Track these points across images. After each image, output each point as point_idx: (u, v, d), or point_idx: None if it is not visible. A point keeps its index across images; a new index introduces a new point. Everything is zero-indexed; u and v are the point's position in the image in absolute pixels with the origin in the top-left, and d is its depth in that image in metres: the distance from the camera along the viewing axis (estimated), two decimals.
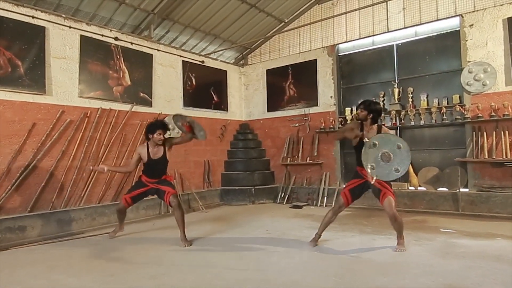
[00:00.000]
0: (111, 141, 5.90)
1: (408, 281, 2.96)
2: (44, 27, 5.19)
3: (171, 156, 4.56)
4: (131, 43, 6.32)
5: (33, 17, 5.08)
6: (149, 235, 4.97)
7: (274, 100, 8.18)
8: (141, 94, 6.44)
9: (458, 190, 5.78)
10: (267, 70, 8.34)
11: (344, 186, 4.19)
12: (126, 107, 6.18)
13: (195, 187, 7.30)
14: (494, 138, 5.61)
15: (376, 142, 3.66)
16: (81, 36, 5.62)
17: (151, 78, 6.61)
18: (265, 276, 3.13)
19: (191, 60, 7.45)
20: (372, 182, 3.69)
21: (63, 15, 5.46)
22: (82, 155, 5.52)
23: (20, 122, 4.94)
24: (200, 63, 7.65)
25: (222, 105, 8.16)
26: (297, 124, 7.79)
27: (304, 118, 7.65)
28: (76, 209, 5.37)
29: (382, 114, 5.37)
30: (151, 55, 6.65)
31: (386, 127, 6.48)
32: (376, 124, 3.93)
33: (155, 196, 4.68)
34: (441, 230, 4.79)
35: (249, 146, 8.17)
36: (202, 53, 7.88)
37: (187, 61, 7.37)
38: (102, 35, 5.90)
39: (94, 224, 5.49)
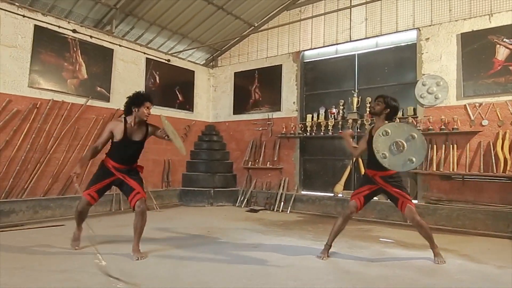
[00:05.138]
0: (62, 133, 5.81)
1: (318, 286, 2.94)
2: None
3: None
4: (91, 37, 6.26)
5: None
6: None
7: (240, 103, 8.17)
8: (98, 89, 6.37)
9: None
10: (235, 73, 8.34)
11: (353, 192, 3.89)
12: (81, 100, 6.10)
13: (153, 186, 7.23)
14: (443, 151, 5.67)
15: (388, 130, 3.39)
16: (35, 26, 5.54)
17: (110, 73, 6.55)
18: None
19: (155, 58, 7.41)
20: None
21: (17, 4, 5.40)
22: (29, 146, 5.42)
23: None
24: (166, 62, 7.61)
25: (187, 105, 8.12)
26: (260, 128, 7.78)
27: (267, 123, 7.64)
28: (17, 200, 5.26)
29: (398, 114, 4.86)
30: (112, 50, 6.59)
31: None
32: (390, 122, 3.72)
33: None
34: (380, 239, 4.79)
35: (213, 148, 8.14)
36: (170, 52, 7.85)
37: (152, 58, 7.32)
38: (59, 27, 5.84)
39: (36, 217, 5.37)
